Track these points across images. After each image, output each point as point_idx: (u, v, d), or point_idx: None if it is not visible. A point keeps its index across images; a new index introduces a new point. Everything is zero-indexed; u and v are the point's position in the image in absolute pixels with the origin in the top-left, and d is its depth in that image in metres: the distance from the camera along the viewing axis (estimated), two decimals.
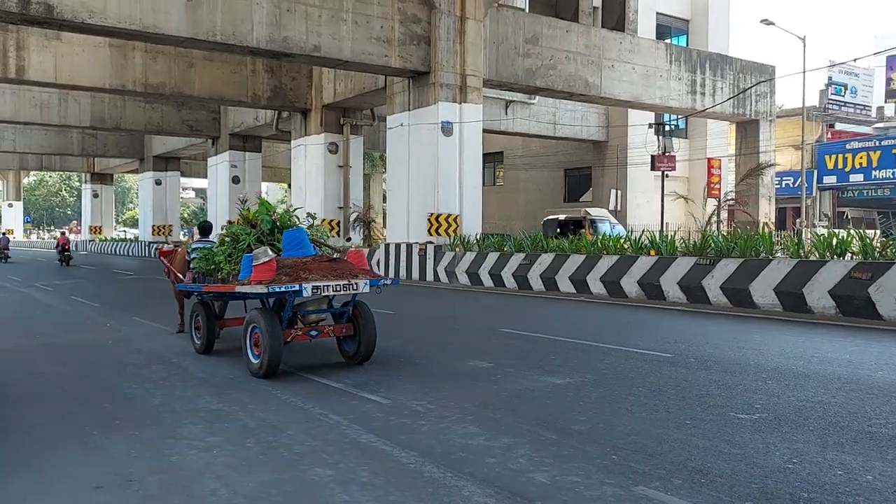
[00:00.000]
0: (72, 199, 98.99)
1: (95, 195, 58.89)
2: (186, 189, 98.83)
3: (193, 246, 10.52)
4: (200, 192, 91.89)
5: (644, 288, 15.31)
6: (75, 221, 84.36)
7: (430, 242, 21.64)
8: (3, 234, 46.74)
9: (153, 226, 46.17)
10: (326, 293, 7.96)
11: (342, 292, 8.10)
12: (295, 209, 10.09)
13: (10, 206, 73.92)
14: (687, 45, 35.33)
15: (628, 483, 4.52)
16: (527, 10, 26.92)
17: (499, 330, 11.45)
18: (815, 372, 7.80)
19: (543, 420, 6.01)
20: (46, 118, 33.28)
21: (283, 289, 7.74)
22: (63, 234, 38.97)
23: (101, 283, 23.84)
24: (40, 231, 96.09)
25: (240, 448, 5.44)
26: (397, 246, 22.90)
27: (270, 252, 8.12)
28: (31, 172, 79.14)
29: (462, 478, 4.68)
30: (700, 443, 5.30)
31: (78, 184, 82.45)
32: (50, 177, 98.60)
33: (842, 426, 5.72)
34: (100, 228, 58.25)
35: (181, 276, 10.83)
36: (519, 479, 4.64)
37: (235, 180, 35.53)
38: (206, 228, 11.34)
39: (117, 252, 51.77)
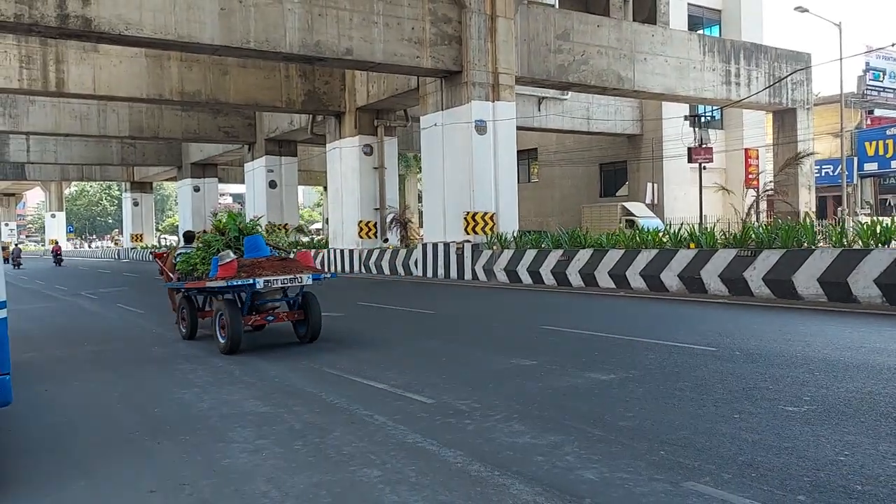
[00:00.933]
0: (113, 208, 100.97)
1: (136, 203, 59.99)
2: (224, 195, 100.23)
3: (178, 251, 12.59)
4: (238, 198, 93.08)
5: (685, 281, 15.14)
6: (117, 230, 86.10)
7: (467, 241, 21.65)
8: (17, 245, 56.58)
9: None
10: (276, 286, 10.14)
11: (289, 284, 10.25)
12: (259, 218, 12.72)
13: (53, 216, 75.62)
14: (720, 35, 34.85)
15: (678, 479, 4.49)
16: (557, 7, 26.79)
17: (540, 327, 11.42)
18: (864, 362, 7.65)
19: (589, 417, 5.99)
20: (86, 129, 33.99)
21: (239, 282, 9.88)
22: (56, 242, 52.09)
23: (145, 291, 24.27)
24: (82, 240, 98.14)
25: (288, 450, 5.51)
26: (434, 245, 22.95)
27: (232, 254, 10.27)
28: (73, 183, 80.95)
29: (510, 476, 4.69)
30: (749, 437, 5.24)
31: (118, 193, 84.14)
32: (91, 187, 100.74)
33: (894, 417, 5.61)
34: (141, 236, 59.30)
35: (171, 276, 12.45)
36: (567, 477, 4.63)
37: (272, 185, 35.92)
38: (189, 237, 13.24)
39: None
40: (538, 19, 23.28)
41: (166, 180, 62.34)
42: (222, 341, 10.16)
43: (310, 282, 10.30)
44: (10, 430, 6.64)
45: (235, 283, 9.89)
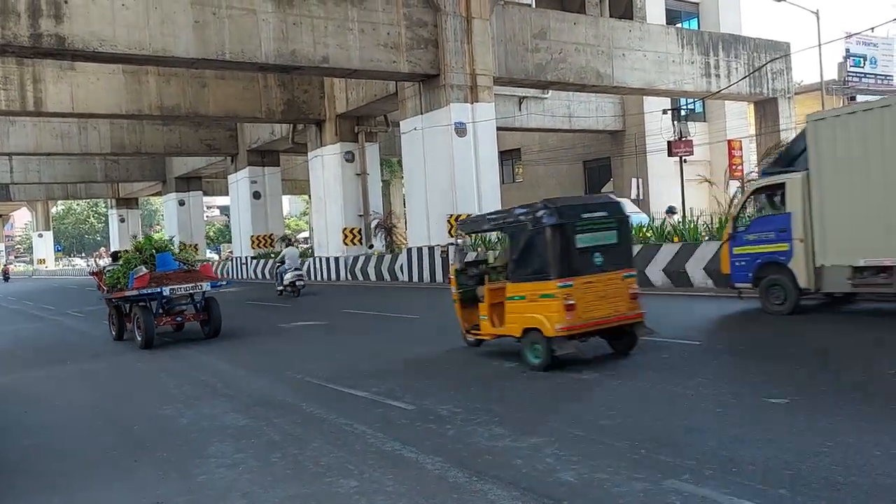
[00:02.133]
0: (100, 225, 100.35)
1: (122, 220, 59.60)
2: (211, 207, 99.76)
3: (107, 268, 14.67)
4: (225, 210, 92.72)
5: (670, 275, 15.12)
6: (104, 248, 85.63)
7: (452, 244, 21.55)
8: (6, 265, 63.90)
9: (180, 245, 46.68)
10: (180, 292, 12.64)
11: (191, 291, 12.79)
12: (171, 238, 15.50)
13: (41, 235, 75.01)
14: (699, 28, 34.93)
15: (658, 477, 4.44)
16: (533, 6, 26.76)
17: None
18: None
19: (571, 417, 5.94)
20: (68, 147, 33.70)
21: (149, 291, 12.39)
22: (6, 265, 59.98)
23: None
24: (70, 258, 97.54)
25: (266, 463, 5.43)
26: (419, 250, 22.86)
27: (144, 269, 12.70)
28: (59, 202, 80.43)
29: (488, 481, 4.62)
30: (731, 431, 5.21)
31: (105, 210, 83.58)
32: (77, 205, 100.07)
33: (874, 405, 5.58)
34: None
35: (104, 289, 14.23)
36: (546, 480, 4.57)
37: (256, 195, 35.73)
38: (115, 256, 15.44)
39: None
40: (514, 19, 23.24)
41: (152, 195, 61.98)
42: (139, 339, 12.60)
43: (209, 288, 13.04)
44: None
45: (146, 292, 12.46)
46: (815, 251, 10.16)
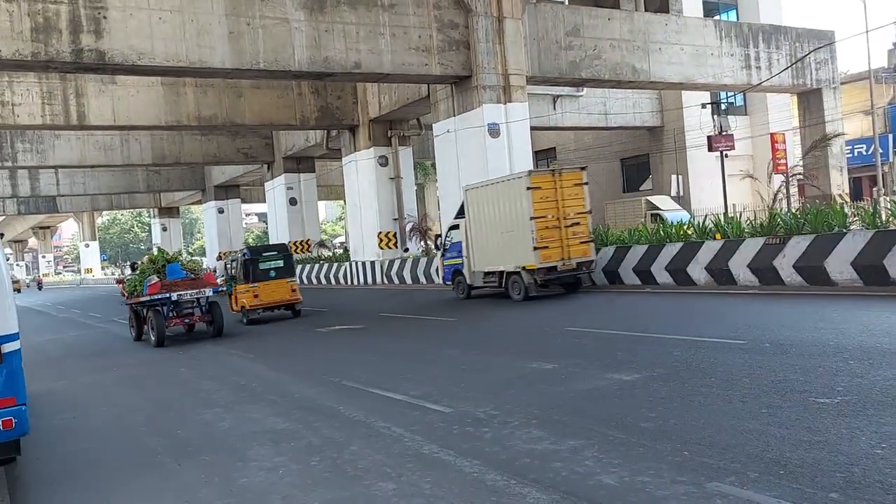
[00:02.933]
0: (143, 234, 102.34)
1: (164, 228, 60.79)
2: (249, 214, 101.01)
3: (127, 278, 17.08)
4: (263, 217, 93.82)
5: (713, 273, 14.82)
6: (147, 256, 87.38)
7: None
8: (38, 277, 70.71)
9: (220, 253, 47.33)
10: (186, 297, 14.82)
11: (196, 296, 14.99)
12: (178, 251, 19.79)
13: (87, 245, 76.83)
14: (737, 19, 34.31)
15: (701, 479, 4.31)
16: (566, 3, 26.56)
17: (563, 329, 11.25)
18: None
19: (611, 419, 5.82)
20: (111, 159, 34.45)
21: (160, 297, 14.57)
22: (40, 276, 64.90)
23: None
24: (115, 267, 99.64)
25: (305, 467, 5.44)
26: None
27: (156, 278, 14.97)
28: (104, 212, 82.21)
29: (527, 484, 4.55)
30: (777, 432, 5.03)
31: (148, 219, 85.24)
32: (122, 215, 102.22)
33: None
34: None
35: (125, 295, 16.30)
36: (586, 483, 4.48)
37: (293, 202, 36.09)
38: (133, 267, 17.96)
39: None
40: (547, 17, 23.08)
41: (192, 204, 63.08)
42: (153, 338, 14.70)
43: (211, 293, 15.29)
44: (36, 458, 6.68)
45: (157, 297, 14.62)
46: (471, 263, 17.60)
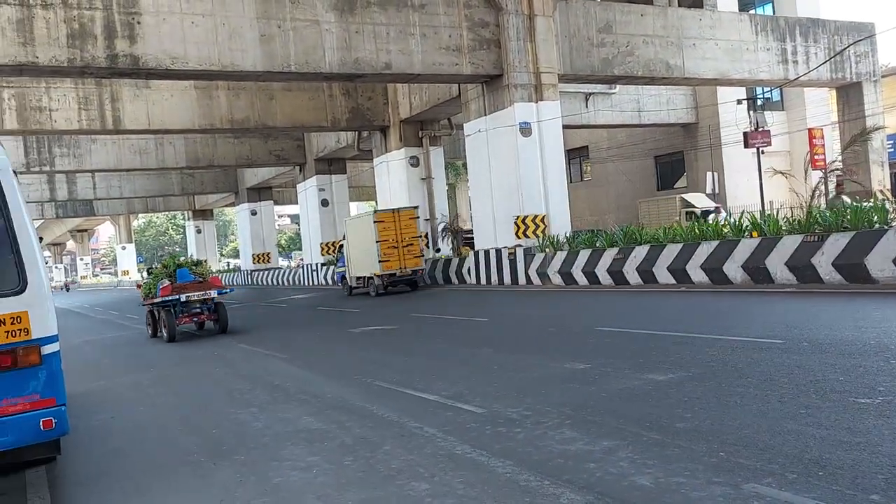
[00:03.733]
0: (178, 236, 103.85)
1: (198, 231, 61.56)
2: (282, 216, 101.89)
3: (144, 281, 19.33)
4: (295, 218, 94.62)
5: (749, 272, 14.59)
6: (183, 258, 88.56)
7: (519, 245, 21.43)
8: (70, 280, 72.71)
9: (253, 255, 47.81)
10: (194, 298, 16.45)
11: (203, 297, 16.62)
12: (190, 257, 22.92)
13: (124, 248, 78.14)
14: (773, 13, 33.77)
15: (738, 481, 4.24)
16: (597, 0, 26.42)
17: (595, 329, 11.15)
18: None
19: (646, 420, 5.75)
20: (146, 163, 35.02)
21: (169, 298, 16.30)
22: (68, 280, 66.19)
23: None
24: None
25: (338, 466, 5.46)
26: (486, 252, 22.77)
27: (167, 281, 16.74)
28: (139, 215, 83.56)
29: (560, 485, 4.51)
30: (817, 433, 4.93)
31: (182, 222, 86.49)
32: (157, 217, 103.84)
33: None
34: (205, 262, 60.68)
35: (143, 297, 18.40)
36: (620, 484, 4.43)
37: (325, 203, 36.33)
38: (150, 271, 20.14)
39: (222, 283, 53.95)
40: (578, 14, 22.95)
41: (226, 206, 63.84)
42: (165, 336, 16.51)
43: (216, 295, 16.94)
44: (75, 457, 6.81)
45: (167, 299, 16.39)
46: (350, 271, 25.39)
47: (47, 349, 5.61)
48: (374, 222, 23.77)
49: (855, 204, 14.51)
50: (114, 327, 22.47)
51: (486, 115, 22.20)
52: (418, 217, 24.54)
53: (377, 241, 23.27)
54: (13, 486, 6.11)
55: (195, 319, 17.25)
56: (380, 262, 23.29)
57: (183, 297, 16.33)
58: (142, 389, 10.40)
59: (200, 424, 7.62)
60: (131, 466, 6.31)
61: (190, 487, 5.51)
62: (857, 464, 4.29)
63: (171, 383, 10.69)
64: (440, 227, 28.32)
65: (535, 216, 21.29)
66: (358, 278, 25.15)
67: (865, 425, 4.98)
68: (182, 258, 19.96)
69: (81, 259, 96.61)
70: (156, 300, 16.74)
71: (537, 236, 21.21)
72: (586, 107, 31.54)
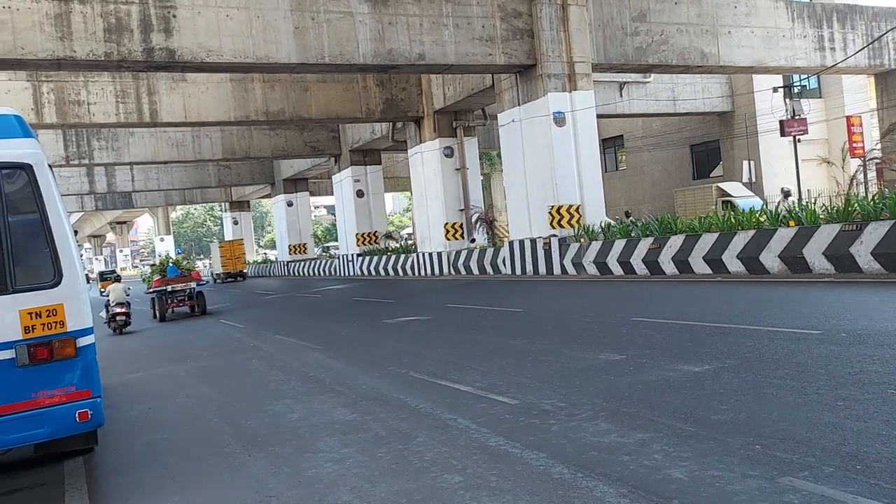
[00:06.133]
0: (216, 227, 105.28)
1: (235, 222, 62.28)
2: (318, 207, 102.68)
3: (147, 276, 25.72)
4: (331, 209, 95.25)
5: (786, 261, 14.39)
6: (173, 257, 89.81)
7: (554, 235, 21.35)
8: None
9: (290, 245, 48.29)
10: (178, 288, 21.59)
11: (185, 288, 21.74)
12: (179, 255, 28.48)
13: (162, 240, 79.39)
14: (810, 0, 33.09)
15: (774, 474, 4.21)
16: None
17: (630, 319, 11.09)
18: None
19: (680, 412, 5.73)
20: (183, 155, 35.54)
21: (158, 289, 21.59)
22: (87, 271, 62.73)
23: (247, 305, 25.13)
24: (189, 260, 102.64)
25: (372, 458, 5.52)
26: (521, 242, 22.74)
27: (158, 275, 22.36)
28: (177, 207, 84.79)
29: (594, 478, 4.52)
30: (854, 425, 4.87)
31: (220, 213, 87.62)
32: (195, 209, 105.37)
33: None
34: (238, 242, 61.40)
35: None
36: (654, 477, 4.42)
37: (360, 194, 36.52)
38: (151, 267, 25.87)
39: (259, 274, 54.58)
40: (612, 3, 22.70)
41: (262, 198, 64.50)
42: (156, 318, 21.62)
43: (195, 286, 22.00)
44: (115, 448, 6.97)
45: (157, 290, 21.63)
46: (215, 269, 50.71)
47: (82, 341, 5.72)
48: (219, 247, 49.97)
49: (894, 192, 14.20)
50: (150, 318, 22.84)
51: (519, 105, 22.12)
52: (244, 243, 46.15)
53: (220, 256, 48.20)
54: (51, 476, 6.25)
55: (180, 305, 21.80)
56: (222, 266, 47.01)
57: (169, 288, 21.32)
58: (179, 380, 10.61)
59: (235, 416, 7.74)
60: (167, 457, 6.43)
61: (224, 478, 5.60)
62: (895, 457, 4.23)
63: (207, 374, 10.87)
64: (474, 218, 28.31)
65: (570, 206, 21.19)
66: (220, 274, 47.84)
67: None
68: (172, 258, 26.24)
69: (121, 251, 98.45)
70: (149, 291, 22.04)
71: (572, 226, 21.11)
72: (620, 96, 31.24)
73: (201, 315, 21.39)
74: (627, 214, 25.45)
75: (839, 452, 4.41)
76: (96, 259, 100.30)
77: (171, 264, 22.89)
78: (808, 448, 4.55)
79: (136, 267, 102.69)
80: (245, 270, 50.22)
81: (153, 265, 24.31)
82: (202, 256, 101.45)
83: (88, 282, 56.67)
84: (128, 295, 19.59)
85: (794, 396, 5.78)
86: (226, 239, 60.51)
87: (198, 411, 8.28)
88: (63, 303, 5.61)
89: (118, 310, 18.81)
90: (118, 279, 21.22)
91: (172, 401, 9.10)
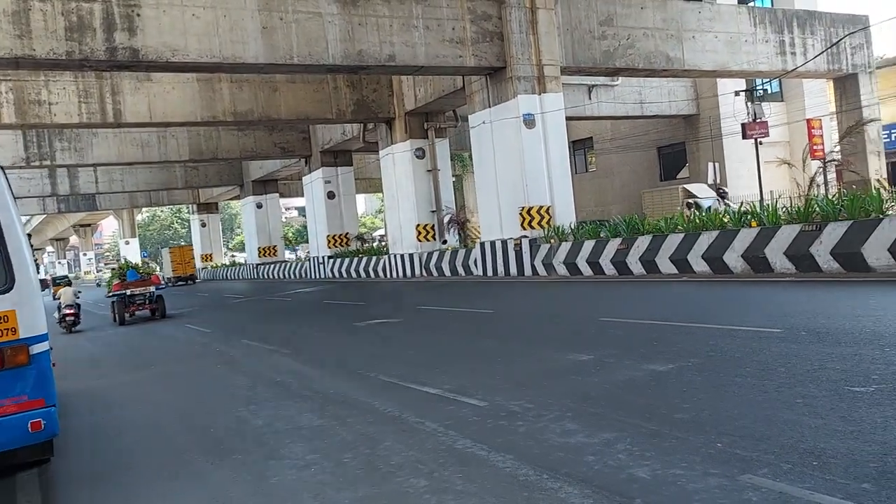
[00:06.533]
0: (183, 230, 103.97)
1: (203, 224, 61.52)
2: (289, 209, 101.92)
3: (107, 279, 25.54)
4: (302, 211, 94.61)
5: (749, 261, 14.63)
6: (133, 262, 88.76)
7: (524, 236, 21.46)
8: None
9: (259, 248, 47.79)
10: (137, 293, 21.34)
11: (144, 292, 21.43)
12: (137, 262, 29.10)
13: (127, 243, 78.11)
14: (772, 5, 33.66)
15: (734, 472, 4.28)
16: None
17: (598, 319, 11.20)
18: None
19: (645, 411, 5.80)
20: (148, 156, 34.96)
21: (118, 293, 21.40)
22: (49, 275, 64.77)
23: (213, 309, 24.88)
24: (155, 263, 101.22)
25: (337, 464, 5.49)
26: (492, 244, 22.82)
27: (118, 280, 21.80)
28: (143, 209, 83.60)
29: (559, 479, 4.56)
30: (812, 422, 4.97)
31: (187, 215, 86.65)
32: (161, 211, 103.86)
33: None
34: (210, 256, 60.77)
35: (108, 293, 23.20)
36: (618, 476, 4.48)
37: (331, 195, 36.32)
38: (112, 271, 26.33)
39: (228, 277, 54.04)
40: (580, 7, 22.90)
41: (231, 199, 63.89)
42: (116, 321, 21.34)
43: (154, 290, 21.75)
44: (73, 458, 6.82)
45: (117, 294, 21.48)
46: (166, 273, 49.13)
47: (36, 349, 5.56)
48: (169, 252, 53.20)
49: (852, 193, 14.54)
50: (113, 324, 22.49)
51: (490, 106, 22.20)
52: (192, 249, 47.43)
53: (171, 260, 50.95)
54: (3, 489, 6.08)
55: (141, 308, 21.67)
56: (172, 270, 48.18)
57: (128, 292, 21.30)
58: (141, 387, 10.44)
59: (199, 422, 7.63)
60: (126, 466, 6.29)
61: (185, 488, 5.49)
62: (851, 452, 4.33)
63: (171, 380, 10.74)
64: (446, 219, 28.33)
65: (540, 207, 21.32)
66: (169, 277, 46.31)
67: (860, 414, 5.02)
68: (132, 263, 27.19)
69: (85, 254, 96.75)
70: (109, 295, 22.19)
71: (542, 227, 21.24)
72: (589, 98, 31.51)
73: (161, 318, 21.25)
74: (689, 206, 26.04)
75: (797, 449, 4.50)
76: (59, 263, 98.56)
77: (130, 269, 22.66)
78: (768, 445, 4.64)
79: (101, 271, 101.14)
80: (194, 274, 53.86)
81: (113, 269, 24.12)
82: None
83: (46, 288, 55.93)
84: (77, 298, 22.20)
85: (755, 394, 5.88)
86: (195, 245, 60.04)
87: (160, 419, 8.16)
88: (15, 309, 5.46)
89: (68, 311, 21.19)
90: (69, 283, 25.43)
91: (134, 408, 8.96)
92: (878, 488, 3.82)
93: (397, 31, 19.95)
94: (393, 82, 28.55)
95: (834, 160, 28.51)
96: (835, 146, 29.55)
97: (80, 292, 23.24)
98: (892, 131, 34.03)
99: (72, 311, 21.03)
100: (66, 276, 57.39)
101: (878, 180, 24.36)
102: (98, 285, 60.94)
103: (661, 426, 5.35)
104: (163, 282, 23.95)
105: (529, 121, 21.23)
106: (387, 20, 19.82)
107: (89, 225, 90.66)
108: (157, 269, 44.93)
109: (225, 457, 6.11)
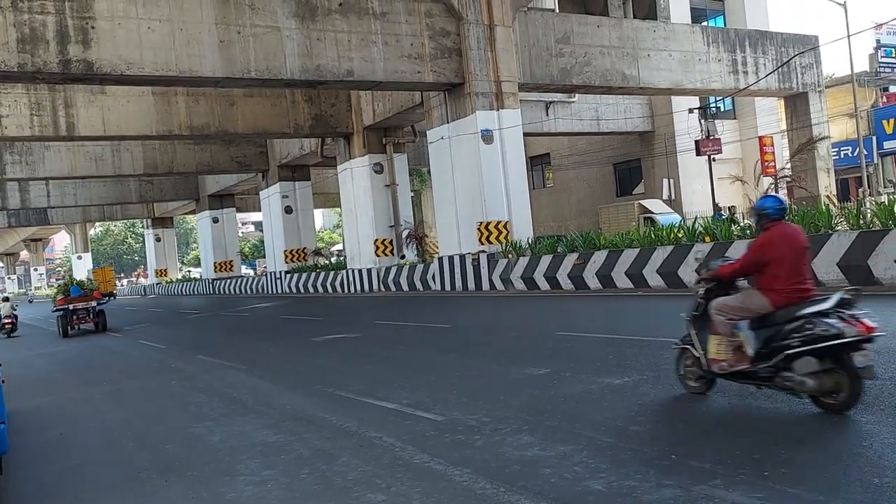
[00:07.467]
0: (138, 245, 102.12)
1: (158, 239, 60.42)
2: (246, 223, 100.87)
3: (53, 294, 26.06)
4: (259, 226, 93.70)
5: None
6: (142, 267, 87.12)
7: (483, 251, 21.55)
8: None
9: (215, 263, 47.10)
10: (80, 307, 22.43)
11: (87, 306, 22.61)
12: (84, 278, 29.46)
13: (80, 257, 76.30)
14: (724, 25, 34.56)
15: (688, 483, 4.34)
16: (556, 11, 26.72)
17: (555, 333, 11.28)
18: (889, 347, 7.40)
19: (601, 424, 5.85)
20: (102, 170, 34.34)
21: (62, 308, 22.43)
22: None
23: (168, 325, 24.43)
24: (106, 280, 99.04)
25: (294, 480, 5.43)
26: (451, 258, 22.86)
27: (61, 295, 22.83)
28: (96, 223, 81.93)
29: (515, 492, 4.57)
30: (765, 433, 5.07)
31: (142, 230, 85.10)
32: (115, 226, 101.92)
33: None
34: (165, 271, 59.73)
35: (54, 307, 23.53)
36: (574, 489, 4.50)
37: (288, 210, 36.04)
38: (57, 287, 27.15)
39: (183, 292, 53.13)
40: (537, 25, 23.21)
41: (186, 214, 62.98)
42: (60, 335, 22.14)
43: (96, 304, 22.87)
44: (23, 476, 6.64)
45: (61, 308, 22.44)
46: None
47: None
48: (93, 272, 40.14)
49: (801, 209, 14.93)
50: (68, 339, 21.98)
51: (448, 122, 22.31)
52: (112, 269, 36.51)
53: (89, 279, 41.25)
54: None
55: (84, 322, 22.81)
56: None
57: (71, 307, 22.35)
58: (94, 404, 10.20)
59: (153, 440, 7.48)
60: (79, 485, 6.15)
61: None
62: (802, 463, 4.44)
63: (125, 397, 10.50)
64: (405, 234, 28.31)
65: (498, 222, 21.44)
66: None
67: (814, 424, 5.13)
68: (76, 279, 27.88)
69: (36, 269, 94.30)
70: (55, 309, 22.98)
71: (500, 242, 21.35)
72: (547, 115, 31.88)
73: (103, 331, 22.43)
74: (718, 209, 26.99)
75: (749, 459, 4.59)
76: (9, 278, 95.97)
77: (74, 285, 23.84)
78: (721, 456, 4.72)
79: (52, 286, 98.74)
80: (114, 291, 54.07)
81: (59, 285, 26.12)
82: (122, 275, 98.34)
83: None
84: (14, 310, 26.09)
85: (708, 405, 5.98)
86: (149, 260, 58.92)
87: (113, 436, 7.98)
88: None
89: (6, 320, 25.15)
90: (6, 299, 27.36)
91: (86, 425, 8.75)
92: (827, 497, 3.92)
93: (356, 47, 19.96)
94: (351, 97, 28.53)
95: (785, 177, 29.29)
96: (786, 163, 30.39)
97: (17, 305, 28.17)
98: (841, 149, 35.12)
99: (9, 321, 25.27)
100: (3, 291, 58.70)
101: (828, 196, 25.06)
102: (30, 301, 62.90)
103: (616, 439, 5.40)
104: (105, 297, 25.01)
105: (487, 136, 21.37)
106: (345, 35, 19.82)
107: (41, 239, 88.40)
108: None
109: (179, 474, 6.00)
